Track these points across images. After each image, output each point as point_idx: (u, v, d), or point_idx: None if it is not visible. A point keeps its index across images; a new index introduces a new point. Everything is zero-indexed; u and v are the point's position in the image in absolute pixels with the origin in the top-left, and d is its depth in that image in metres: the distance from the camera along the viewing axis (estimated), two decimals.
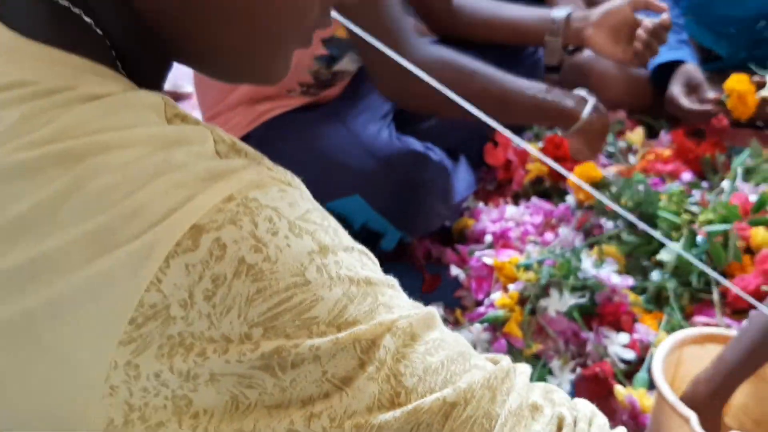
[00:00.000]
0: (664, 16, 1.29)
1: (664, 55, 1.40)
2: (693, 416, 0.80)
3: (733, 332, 0.91)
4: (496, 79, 1.13)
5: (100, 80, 0.39)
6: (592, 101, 1.19)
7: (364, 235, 1.17)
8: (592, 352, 1.05)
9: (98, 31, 0.40)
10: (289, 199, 0.38)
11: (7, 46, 0.39)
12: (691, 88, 1.44)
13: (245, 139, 1.18)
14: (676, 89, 1.43)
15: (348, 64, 1.21)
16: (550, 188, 1.39)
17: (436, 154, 1.19)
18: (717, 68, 1.67)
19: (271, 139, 1.17)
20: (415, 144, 1.18)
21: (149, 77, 0.44)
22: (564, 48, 1.43)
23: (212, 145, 0.38)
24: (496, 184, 1.43)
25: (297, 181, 0.41)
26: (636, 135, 1.49)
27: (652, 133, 1.52)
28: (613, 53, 1.34)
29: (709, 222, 1.13)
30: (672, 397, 0.82)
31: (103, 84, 0.38)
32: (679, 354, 0.91)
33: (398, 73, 0.95)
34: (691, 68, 1.47)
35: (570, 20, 1.38)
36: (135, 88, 0.40)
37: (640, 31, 1.28)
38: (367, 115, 1.24)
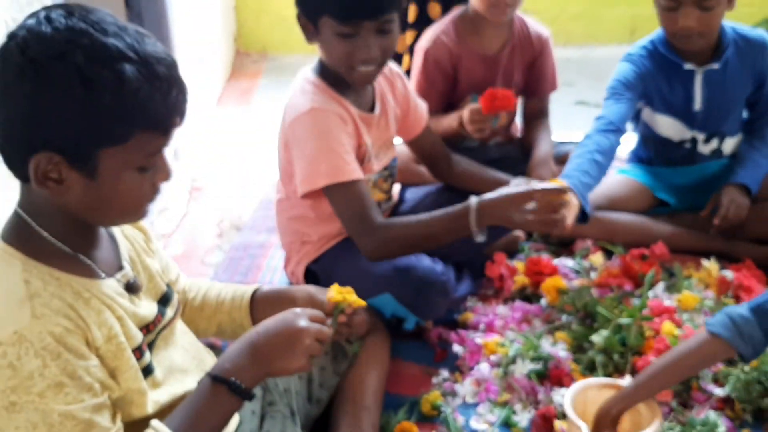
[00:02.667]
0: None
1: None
2: (584, 426, 1.33)
3: (624, 382, 1.44)
4: (429, 224, 1.64)
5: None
6: None
7: (393, 320, 1.75)
8: (543, 400, 1.59)
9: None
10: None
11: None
12: None
13: (317, 260, 1.83)
14: None
15: None
16: (530, 294, 1.95)
17: (439, 266, 1.76)
18: (667, 212, 2.24)
19: (335, 259, 1.78)
20: (425, 259, 1.75)
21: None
22: None
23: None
24: (493, 290, 2.00)
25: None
26: (596, 257, 2.05)
27: (609, 256, 2.09)
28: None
29: (628, 317, 1.68)
30: (573, 415, 1.35)
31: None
32: (584, 395, 1.44)
33: (366, 247, 1.63)
34: None
35: None
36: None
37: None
38: None
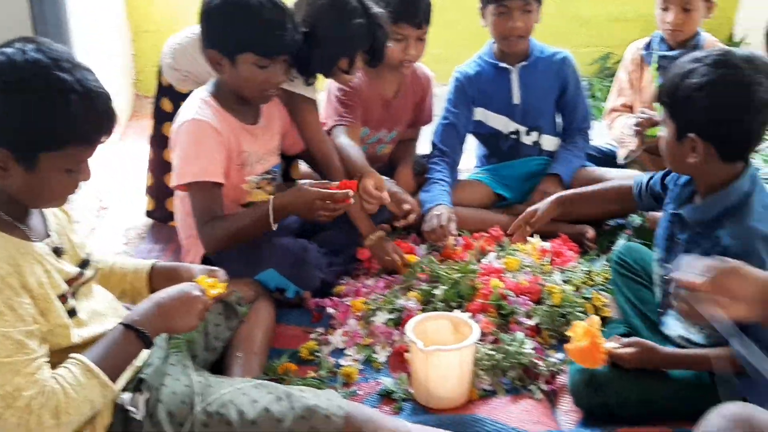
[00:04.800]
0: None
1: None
2: (419, 342, 1.75)
3: (450, 314, 1.87)
4: (240, 219, 2.07)
5: None
6: None
7: (278, 290, 2.13)
8: (397, 340, 2.00)
9: None
10: None
11: None
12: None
13: None
14: None
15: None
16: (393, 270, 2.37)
17: (313, 246, 2.17)
18: (504, 206, 2.75)
19: None
20: (302, 242, 2.16)
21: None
22: None
23: None
24: (364, 270, 2.41)
25: None
26: (450, 240, 2.50)
27: None
28: None
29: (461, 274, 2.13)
30: (412, 335, 1.76)
31: None
32: (424, 326, 1.86)
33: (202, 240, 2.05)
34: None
35: None
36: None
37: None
38: (281, 231, 2.22)
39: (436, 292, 2.11)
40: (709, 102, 1.57)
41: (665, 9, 2.79)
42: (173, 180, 2.10)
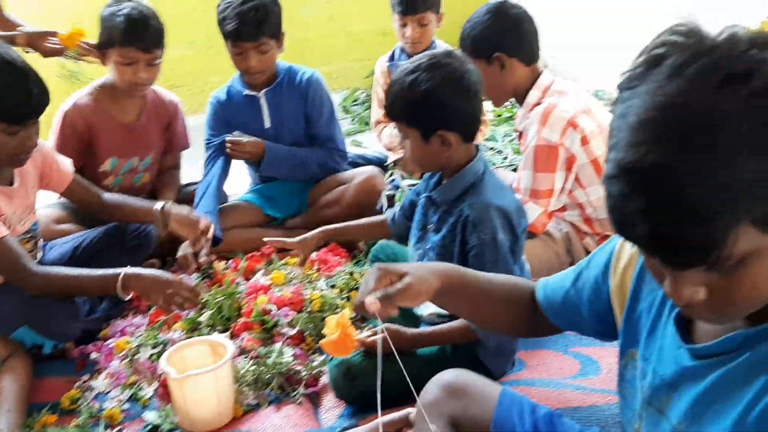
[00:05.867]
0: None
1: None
2: (173, 371, 1.75)
3: (211, 338, 1.89)
4: (82, 280, 2.04)
5: None
6: None
7: (34, 347, 2.06)
8: (163, 373, 1.99)
9: None
10: None
11: None
12: None
13: None
14: None
15: None
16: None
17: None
18: (277, 224, 2.82)
19: None
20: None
21: None
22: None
23: None
24: (134, 309, 2.37)
25: None
26: (219, 264, 2.52)
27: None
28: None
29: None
30: (165, 366, 1.77)
31: None
32: (182, 354, 1.87)
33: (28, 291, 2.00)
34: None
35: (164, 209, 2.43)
36: None
37: None
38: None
39: (202, 318, 2.13)
40: (443, 99, 1.75)
41: (404, 25, 3.03)
42: None
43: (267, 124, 2.81)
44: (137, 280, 1.99)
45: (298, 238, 2.25)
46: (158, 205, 2.39)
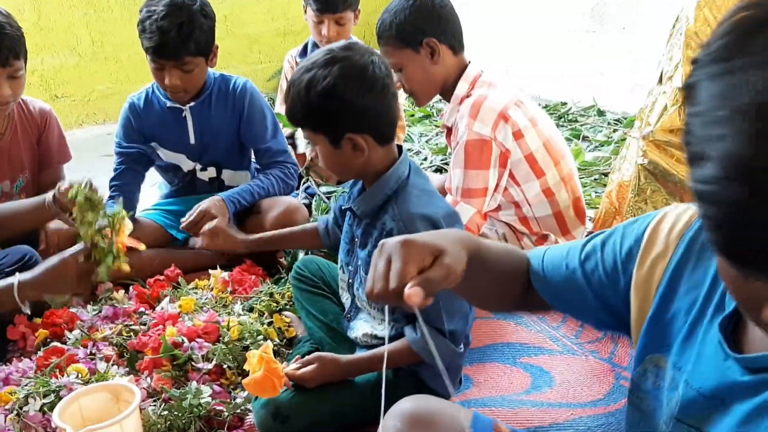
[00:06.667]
0: None
1: None
2: (68, 428, 1.47)
3: (122, 380, 1.61)
4: None
5: None
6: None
7: None
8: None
9: None
10: None
11: None
12: None
13: None
14: None
15: None
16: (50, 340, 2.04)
17: None
18: (182, 243, 2.53)
19: None
20: None
21: None
22: None
23: None
24: (19, 351, 2.04)
25: None
26: (119, 294, 2.22)
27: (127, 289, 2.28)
28: None
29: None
30: (57, 420, 1.48)
31: None
32: (78, 402, 1.58)
33: None
34: None
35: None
36: None
37: None
38: None
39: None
40: (345, 97, 1.53)
41: (320, 22, 2.83)
42: None
43: (192, 139, 2.52)
44: (30, 285, 1.68)
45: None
46: (48, 195, 2.01)
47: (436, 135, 3.78)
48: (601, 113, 4.14)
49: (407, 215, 1.57)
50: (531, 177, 2.13)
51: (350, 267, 1.75)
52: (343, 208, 1.78)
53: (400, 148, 1.68)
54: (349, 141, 1.57)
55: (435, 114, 4.21)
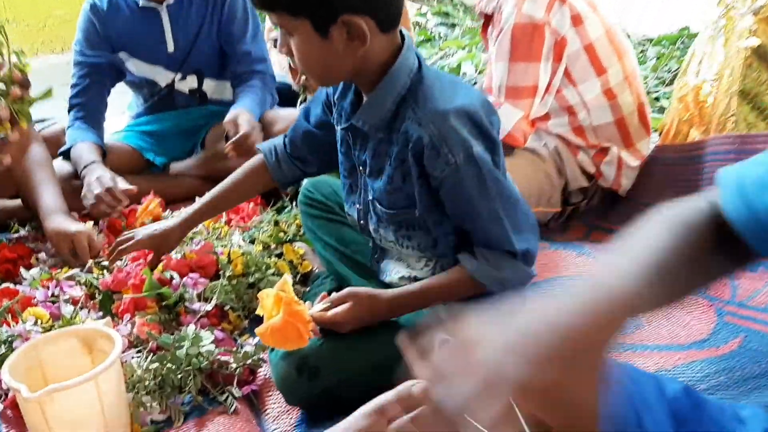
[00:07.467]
0: None
1: None
2: (23, 388, 1.08)
3: (80, 328, 1.22)
4: None
5: None
6: None
7: None
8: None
9: None
10: None
11: None
12: None
13: None
14: None
15: None
16: None
17: None
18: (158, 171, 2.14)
19: None
20: None
21: None
22: None
23: None
24: None
25: None
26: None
27: None
28: None
29: None
30: (11, 381, 1.09)
31: None
32: (36, 354, 1.19)
33: None
34: None
35: None
36: None
37: None
38: None
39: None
40: None
41: None
42: None
43: (170, 47, 2.13)
44: None
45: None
46: None
47: (441, 59, 3.39)
48: None
49: (437, 114, 1.15)
50: (590, 74, 1.75)
51: (357, 205, 1.35)
52: (342, 129, 1.31)
53: (400, 32, 1.21)
54: (343, 27, 1.12)
55: (437, 37, 3.81)
